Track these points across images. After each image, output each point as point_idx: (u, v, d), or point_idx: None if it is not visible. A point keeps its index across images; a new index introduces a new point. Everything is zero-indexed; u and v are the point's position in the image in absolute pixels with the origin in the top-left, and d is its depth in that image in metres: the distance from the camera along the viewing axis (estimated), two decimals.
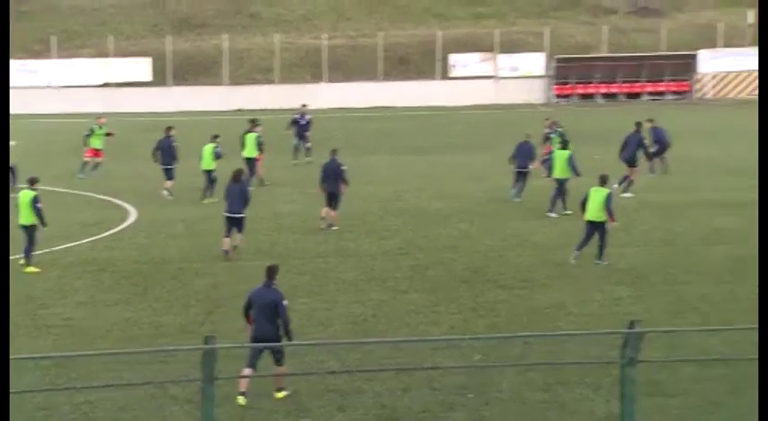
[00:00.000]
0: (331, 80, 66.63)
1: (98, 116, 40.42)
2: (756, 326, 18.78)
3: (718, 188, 34.06)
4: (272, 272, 15.89)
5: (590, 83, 66.73)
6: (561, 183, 29.93)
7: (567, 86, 66.71)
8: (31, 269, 23.77)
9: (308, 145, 39.99)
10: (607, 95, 66.61)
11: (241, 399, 15.43)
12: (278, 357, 15.52)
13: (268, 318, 15.49)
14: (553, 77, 66.55)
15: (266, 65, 68.05)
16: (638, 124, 34.64)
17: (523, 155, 32.47)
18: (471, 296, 21.56)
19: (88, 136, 37.91)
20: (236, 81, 66.81)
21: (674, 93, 67.23)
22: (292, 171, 38.82)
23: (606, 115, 56.43)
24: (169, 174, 33.61)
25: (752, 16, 70.26)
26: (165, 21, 71.77)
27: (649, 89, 67.12)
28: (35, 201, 23.83)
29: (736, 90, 67.24)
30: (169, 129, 34.89)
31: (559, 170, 30.01)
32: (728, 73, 67.18)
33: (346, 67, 67.79)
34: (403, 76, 67.63)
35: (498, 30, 68.86)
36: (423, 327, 19.51)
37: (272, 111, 62.82)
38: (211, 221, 28.89)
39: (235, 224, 25.16)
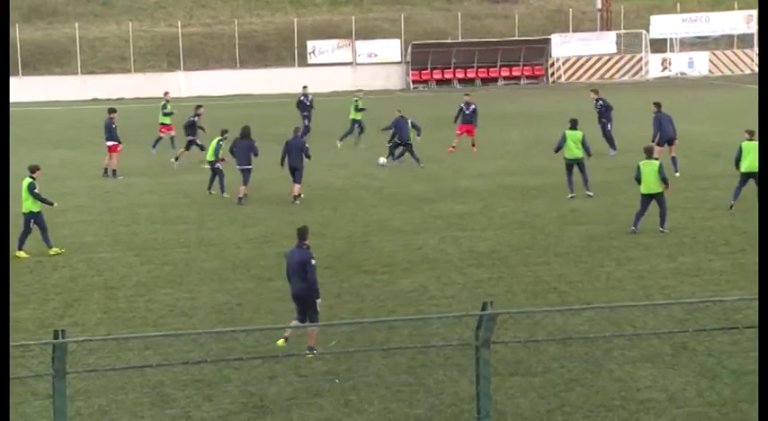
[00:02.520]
0: (188, 68, 65.87)
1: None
2: (616, 304, 19.28)
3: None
4: (302, 233, 17.08)
5: (447, 68, 67.40)
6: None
7: (425, 72, 67.26)
8: (55, 251, 24.22)
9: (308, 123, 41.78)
10: (464, 81, 67.37)
11: (280, 342, 16.99)
12: (313, 316, 16.91)
13: (300, 276, 16.83)
14: (410, 63, 67.00)
15: (121, 53, 66.88)
16: (658, 104, 33.22)
17: (402, 129, 35.27)
18: (336, 282, 21.58)
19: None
20: (90, 70, 65.50)
21: (529, 77, 68.41)
22: (148, 161, 38.28)
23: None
24: None
25: (599, 1, 71.89)
26: (13, 8, 69.86)
27: (505, 74, 68.16)
28: (31, 187, 24.14)
29: (588, 74, 68.75)
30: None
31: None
32: (580, 57, 68.64)
33: (203, 55, 67.10)
34: (261, 63, 67.29)
35: (355, 16, 69.01)
36: (289, 315, 19.44)
37: (130, 100, 61.80)
38: (70, 214, 28.28)
39: (243, 174, 29.70)
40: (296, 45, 67.19)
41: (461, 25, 69.63)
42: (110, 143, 35.15)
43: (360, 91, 44.39)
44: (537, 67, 68.47)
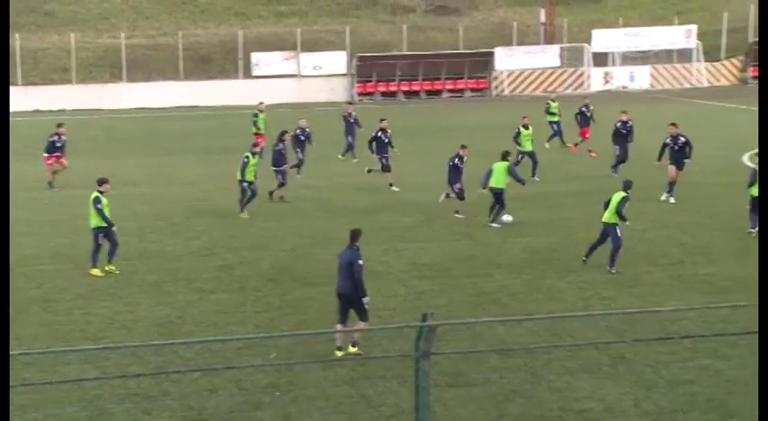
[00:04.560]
0: (131, 80, 65.42)
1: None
2: (556, 315, 19.42)
3: (513, 182, 34.92)
4: (354, 234, 18.15)
5: (392, 81, 67.55)
6: None
7: (369, 84, 67.34)
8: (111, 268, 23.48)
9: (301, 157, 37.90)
10: (409, 93, 67.56)
11: (338, 353, 17.32)
12: (361, 314, 17.55)
13: (346, 276, 17.57)
14: (355, 76, 67.09)
15: (63, 64, 66.30)
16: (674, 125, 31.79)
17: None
18: (278, 294, 21.54)
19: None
20: (31, 81, 64.85)
21: (474, 90, 68.73)
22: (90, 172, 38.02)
23: (409, 113, 57.26)
24: None
25: (543, 15, 72.46)
26: None
27: (450, 86, 68.42)
28: (95, 201, 23.39)
29: (532, 87, 69.21)
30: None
31: None
32: (524, 70, 69.10)
33: (146, 67, 66.68)
34: (205, 75, 66.99)
35: (300, 28, 68.98)
36: (230, 327, 19.40)
37: (72, 111, 61.29)
38: (18, 224, 28.03)
39: (277, 175, 31.45)
40: (240, 57, 67.02)
41: (406, 38, 69.87)
42: (48, 154, 34.90)
43: (261, 103, 43.17)
44: (481, 80, 68.82)
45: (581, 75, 69.59)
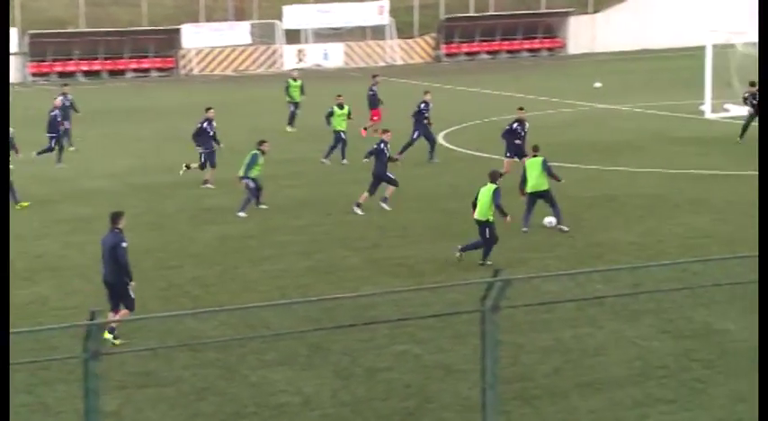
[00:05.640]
0: None
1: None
2: (249, 305, 19.48)
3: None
4: (115, 217, 18.33)
5: (69, 60, 65.73)
6: None
7: (44, 64, 65.24)
8: None
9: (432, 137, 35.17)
10: (89, 73, 65.93)
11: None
12: (126, 301, 17.94)
13: (109, 261, 17.95)
14: (28, 55, 64.79)
15: None
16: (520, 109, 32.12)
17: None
18: None
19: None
20: None
21: (160, 69, 67.88)
22: None
23: (90, 95, 55.77)
24: None
25: None
26: None
27: (134, 66, 67.27)
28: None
29: (222, 65, 69.07)
30: None
31: None
32: (213, 48, 68.86)
33: None
34: None
35: None
36: None
37: None
38: None
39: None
40: None
41: (84, 13, 68.10)
42: None
43: None
44: (168, 59, 68.01)
45: (274, 52, 70.05)
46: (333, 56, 71.10)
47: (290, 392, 15.67)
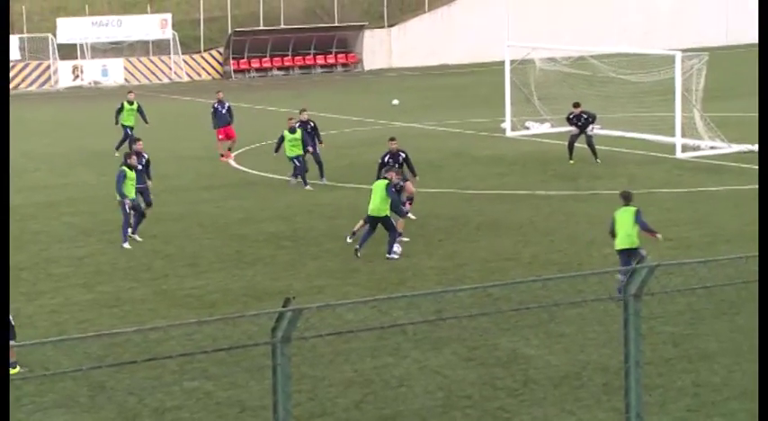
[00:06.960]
0: None
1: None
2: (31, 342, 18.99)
3: None
4: None
5: None
6: None
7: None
8: None
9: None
10: None
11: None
12: None
13: None
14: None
15: None
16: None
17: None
18: None
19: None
20: None
21: None
22: None
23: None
24: None
25: None
26: None
27: None
28: None
29: None
30: None
31: None
32: None
33: None
34: None
35: None
36: None
37: None
38: None
39: None
40: None
41: None
42: None
43: None
44: None
45: (47, 69, 68.62)
46: (113, 72, 70.08)
47: None
